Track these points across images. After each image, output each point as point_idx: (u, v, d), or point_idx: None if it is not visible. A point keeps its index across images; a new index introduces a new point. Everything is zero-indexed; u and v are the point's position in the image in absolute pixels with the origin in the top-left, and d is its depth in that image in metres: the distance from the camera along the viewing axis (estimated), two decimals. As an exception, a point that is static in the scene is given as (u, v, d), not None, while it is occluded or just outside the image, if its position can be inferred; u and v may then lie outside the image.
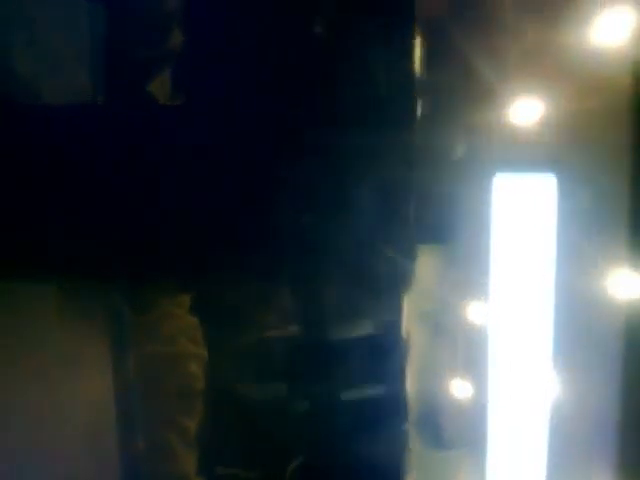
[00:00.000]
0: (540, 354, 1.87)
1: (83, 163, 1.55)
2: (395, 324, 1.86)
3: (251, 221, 1.67)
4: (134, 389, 1.57)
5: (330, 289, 1.75)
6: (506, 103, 1.84)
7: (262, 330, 1.67)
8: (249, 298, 1.68)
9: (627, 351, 1.65)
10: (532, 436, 1.90)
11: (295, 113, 1.72)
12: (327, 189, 1.76)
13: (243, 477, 1.72)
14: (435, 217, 1.92)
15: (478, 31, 1.93)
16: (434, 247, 2.00)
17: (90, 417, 1.51)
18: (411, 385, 2.02)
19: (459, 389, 2.05)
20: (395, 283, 1.84)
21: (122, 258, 1.54)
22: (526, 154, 1.81)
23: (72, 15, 1.59)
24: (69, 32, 1.58)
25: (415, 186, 1.87)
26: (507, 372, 1.91)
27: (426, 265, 1.98)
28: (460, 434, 2.06)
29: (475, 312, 1.99)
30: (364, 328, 1.84)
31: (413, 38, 1.90)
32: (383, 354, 1.85)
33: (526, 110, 1.80)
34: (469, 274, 1.97)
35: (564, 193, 1.76)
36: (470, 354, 2.01)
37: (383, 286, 1.82)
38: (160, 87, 1.62)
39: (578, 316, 1.78)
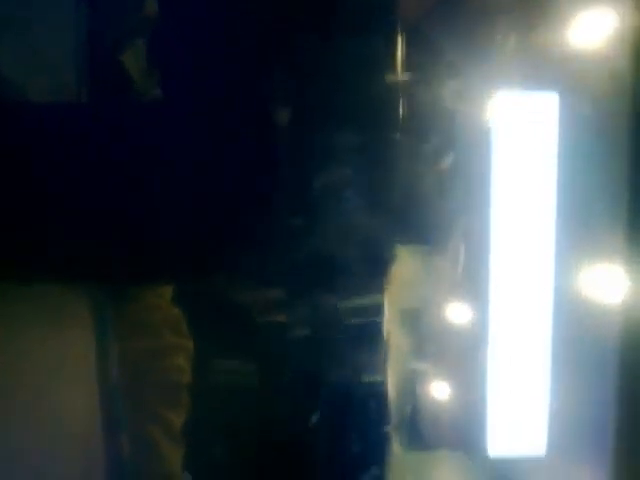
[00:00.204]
0: (535, 357, 1.86)
1: (66, 161, 1.53)
2: (375, 319, 1.86)
3: (238, 218, 1.66)
4: (119, 386, 1.55)
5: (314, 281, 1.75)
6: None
7: (249, 318, 1.66)
8: (235, 288, 1.66)
9: (624, 351, 1.65)
10: (529, 436, 1.89)
11: (278, 108, 1.70)
12: (312, 189, 1.76)
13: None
14: (420, 217, 1.91)
15: (461, 31, 1.93)
16: (417, 247, 1.99)
17: (75, 420, 1.48)
18: (391, 385, 2.02)
19: (439, 389, 2.05)
20: (374, 276, 1.85)
21: (107, 257, 1.51)
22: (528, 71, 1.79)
23: (56, 11, 1.56)
24: (54, 28, 1.55)
25: (399, 186, 1.87)
26: (500, 370, 1.89)
27: (408, 264, 1.98)
28: (441, 435, 2.06)
29: (459, 313, 1.99)
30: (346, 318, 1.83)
31: (395, 38, 1.90)
32: (364, 348, 1.84)
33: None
34: (455, 274, 1.97)
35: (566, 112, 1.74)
36: (453, 355, 2.02)
37: (362, 279, 1.82)
38: (134, 59, 1.59)
39: (575, 314, 1.77)
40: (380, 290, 1.92)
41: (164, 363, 1.64)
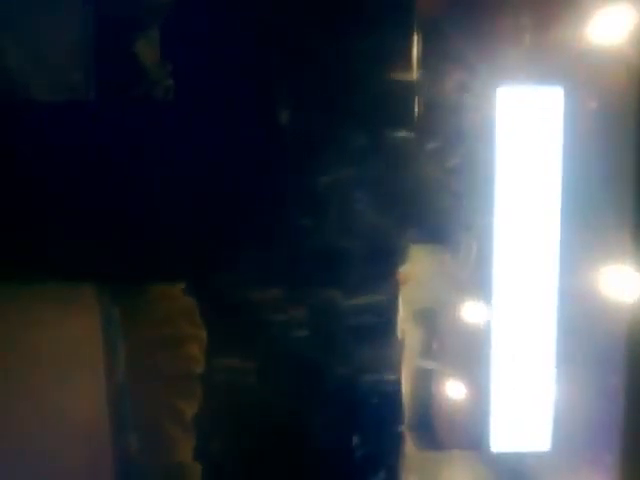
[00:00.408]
0: (542, 354, 1.85)
1: (71, 161, 1.54)
2: (389, 315, 1.85)
3: (246, 216, 1.66)
4: (128, 377, 1.55)
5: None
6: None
7: (261, 310, 1.65)
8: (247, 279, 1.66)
9: (630, 346, 1.63)
10: (535, 437, 1.88)
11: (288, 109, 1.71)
12: (321, 187, 1.76)
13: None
14: (435, 217, 1.91)
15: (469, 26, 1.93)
16: (432, 246, 1.99)
17: (84, 415, 1.49)
18: (406, 385, 2.00)
19: (455, 390, 2.04)
20: (386, 276, 1.84)
21: (117, 256, 1.53)
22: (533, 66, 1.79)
23: (62, 10, 1.58)
24: (60, 28, 1.57)
25: (415, 185, 1.86)
26: (507, 369, 1.88)
27: (423, 264, 1.98)
28: (455, 435, 2.04)
29: (472, 312, 1.98)
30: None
31: (412, 37, 1.90)
32: (376, 347, 1.83)
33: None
34: (468, 273, 1.96)
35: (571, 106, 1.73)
36: (467, 354, 2.00)
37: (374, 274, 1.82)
38: (147, 47, 1.61)
39: (581, 313, 1.76)
40: (393, 289, 1.91)
41: (179, 352, 1.65)
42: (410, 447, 1.99)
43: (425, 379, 2.05)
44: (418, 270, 1.99)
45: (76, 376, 1.47)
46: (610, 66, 1.68)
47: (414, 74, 1.92)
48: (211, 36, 1.63)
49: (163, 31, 1.62)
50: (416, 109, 1.91)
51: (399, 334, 1.98)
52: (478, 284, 1.93)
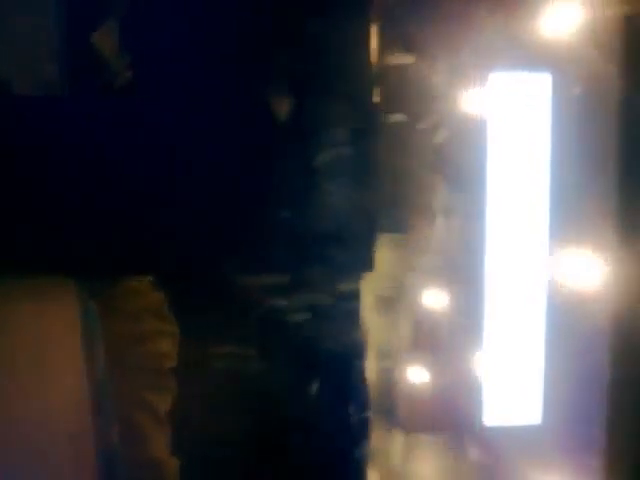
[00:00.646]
0: (531, 332, 1.88)
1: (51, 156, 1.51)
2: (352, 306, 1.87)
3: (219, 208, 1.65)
4: (105, 375, 1.53)
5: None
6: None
7: (246, 302, 1.65)
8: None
9: (614, 330, 1.68)
10: (526, 413, 1.91)
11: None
12: (294, 176, 1.75)
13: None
14: (397, 207, 1.94)
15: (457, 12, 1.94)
16: (394, 236, 2.02)
17: (66, 412, 1.47)
18: (369, 371, 2.04)
19: (416, 374, 2.08)
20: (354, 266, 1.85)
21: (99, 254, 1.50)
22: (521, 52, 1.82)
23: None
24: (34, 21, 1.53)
25: (377, 175, 1.88)
26: (500, 352, 1.92)
27: (385, 252, 2.00)
28: (416, 420, 2.09)
29: (434, 297, 2.02)
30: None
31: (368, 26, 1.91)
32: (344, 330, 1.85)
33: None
34: (429, 260, 2.00)
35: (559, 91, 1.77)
36: (429, 339, 2.04)
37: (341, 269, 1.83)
38: (106, 39, 1.58)
39: (569, 295, 1.80)
40: (359, 277, 1.93)
41: (146, 348, 1.64)
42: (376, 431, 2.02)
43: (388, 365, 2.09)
44: (381, 258, 2.01)
45: (56, 372, 1.45)
46: (594, 52, 1.72)
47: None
48: (173, 24, 1.61)
49: (123, 21, 1.60)
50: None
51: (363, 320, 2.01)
52: (449, 269, 1.96)
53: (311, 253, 1.79)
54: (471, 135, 1.83)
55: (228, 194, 1.63)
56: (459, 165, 1.87)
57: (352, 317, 1.95)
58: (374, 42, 1.92)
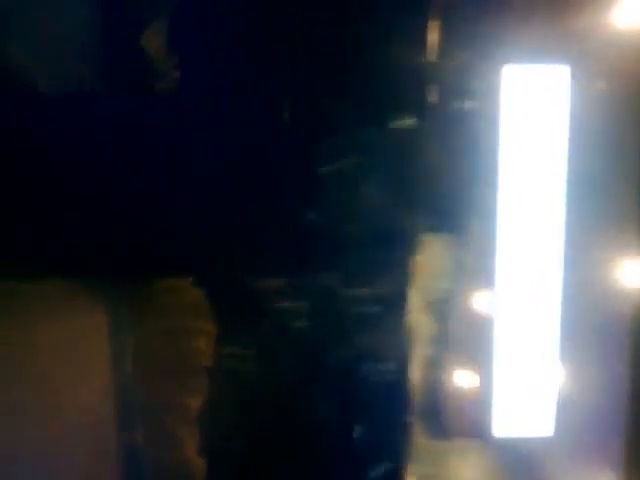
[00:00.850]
0: (546, 343, 1.84)
1: (78, 154, 1.53)
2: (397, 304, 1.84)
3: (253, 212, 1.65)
4: (134, 374, 1.55)
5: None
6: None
7: (271, 302, 1.64)
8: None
9: (634, 341, 1.62)
10: (538, 424, 1.88)
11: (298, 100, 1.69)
12: (334, 178, 1.74)
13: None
14: (444, 205, 1.89)
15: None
16: (441, 236, 1.97)
17: (91, 412, 1.50)
18: (415, 375, 2.00)
19: (463, 379, 2.03)
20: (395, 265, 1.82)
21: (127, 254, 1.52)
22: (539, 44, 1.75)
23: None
24: (68, 19, 1.56)
25: (423, 174, 1.84)
26: (513, 361, 1.88)
27: (432, 255, 1.96)
28: (464, 424, 2.04)
29: (481, 301, 1.96)
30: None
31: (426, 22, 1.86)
32: (387, 335, 1.83)
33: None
34: (476, 261, 1.94)
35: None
36: (475, 344, 1.99)
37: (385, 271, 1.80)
38: (154, 40, 1.59)
39: (585, 304, 1.75)
40: (403, 279, 1.90)
41: (183, 346, 1.65)
42: (418, 436, 1.99)
43: (435, 369, 2.04)
44: (430, 260, 1.97)
45: (82, 373, 1.48)
46: (620, 47, 1.65)
47: (429, 60, 1.88)
48: (217, 27, 1.61)
49: (171, 23, 1.60)
50: (428, 96, 1.88)
51: (408, 324, 1.98)
52: (485, 272, 1.91)
53: (352, 255, 1.77)
54: (487, 131, 1.77)
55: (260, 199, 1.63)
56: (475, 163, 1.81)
57: (394, 320, 1.92)
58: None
